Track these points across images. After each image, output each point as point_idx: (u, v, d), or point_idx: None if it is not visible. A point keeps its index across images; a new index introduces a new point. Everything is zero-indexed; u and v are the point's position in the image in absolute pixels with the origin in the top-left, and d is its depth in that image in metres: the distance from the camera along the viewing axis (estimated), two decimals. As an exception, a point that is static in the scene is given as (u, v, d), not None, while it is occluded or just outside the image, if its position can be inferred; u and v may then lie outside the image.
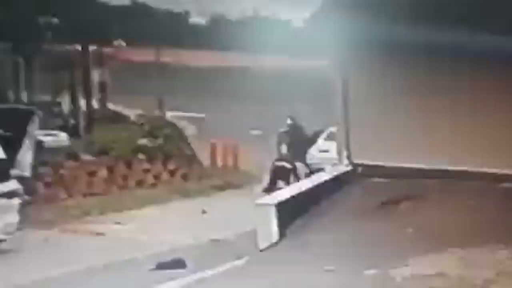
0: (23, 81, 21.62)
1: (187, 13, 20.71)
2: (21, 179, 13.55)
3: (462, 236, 9.63)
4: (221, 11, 20.79)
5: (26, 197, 13.67)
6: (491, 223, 10.11)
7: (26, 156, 14.49)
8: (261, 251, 10.61)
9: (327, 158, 17.97)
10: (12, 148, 13.80)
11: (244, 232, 12.12)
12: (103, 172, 18.44)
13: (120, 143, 19.23)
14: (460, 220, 10.30)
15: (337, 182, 12.60)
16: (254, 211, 11.22)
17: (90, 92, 22.29)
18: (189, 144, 21.15)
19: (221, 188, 19.68)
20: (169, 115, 22.60)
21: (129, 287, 10.12)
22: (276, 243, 10.70)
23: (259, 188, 18.80)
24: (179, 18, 20.57)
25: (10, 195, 12.73)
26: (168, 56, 23.19)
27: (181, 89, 23.63)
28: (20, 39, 20.35)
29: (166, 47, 22.66)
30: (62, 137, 17.90)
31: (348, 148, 13.15)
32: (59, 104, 22.35)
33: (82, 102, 22.05)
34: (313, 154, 20.66)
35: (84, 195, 17.68)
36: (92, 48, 22.25)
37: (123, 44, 22.86)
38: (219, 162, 22.05)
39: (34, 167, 14.95)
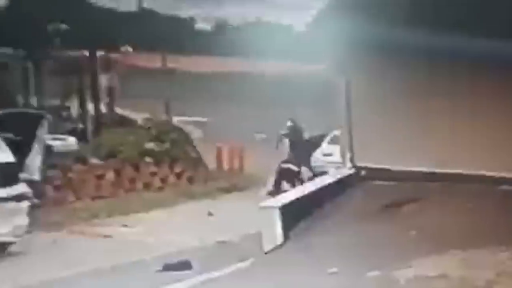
0: (32, 86, 21.64)
1: (192, 19, 20.72)
2: (30, 182, 13.53)
3: (463, 238, 9.60)
4: (224, 17, 20.80)
5: (35, 200, 13.65)
6: (491, 225, 10.08)
7: (35, 159, 14.49)
8: (265, 253, 10.59)
9: (331, 161, 17.96)
10: (22, 152, 13.79)
11: (249, 234, 12.10)
12: (110, 175, 18.44)
13: (128, 146, 19.22)
14: (460, 222, 10.27)
15: (340, 185, 12.58)
16: (259, 214, 11.20)
17: (98, 97, 22.30)
18: (195, 147, 21.15)
19: (227, 190, 19.66)
20: (175, 119, 22.61)
21: (136, 288, 10.13)
22: (281, 245, 10.67)
23: (264, 190, 18.78)
24: (185, 24, 20.59)
25: (19, 198, 12.71)
26: (174, 61, 23.20)
27: (187, 94, 23.64)
28: (29, 45, 20.38)
29: (172, 53, 22.67)
30: (71, 141, 17.90)
31: (351, 151, 13.12)
32: (68, 108, 22.37)
33: (90, 107, 22.06)
34: (317, 157, 20.64)
35: (92, 198, 17.67)
36: (99, 53, 22.26)
37: (130, 49, 22.87)
38: (225, 165, 22.04)
39: (43, 171, 14.94)
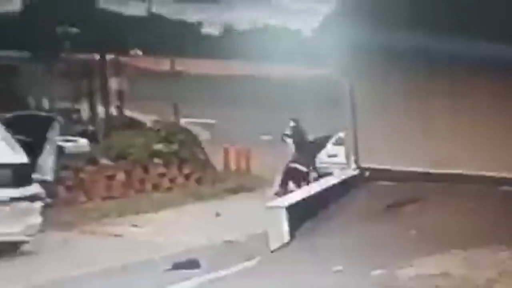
0: (44, 88, 21.74)
1: (199, 24, 20.76)
2: (43, 183, 13.61)
3: (464, 237, 9.64)
4: (231, 22, 20.84)
5: (48, 200, 13.73)
6: (491, 224, 10.11)
7: (47, 161, 14.57)
8: (272, 252, 10.64)
9: (335, 162, 17.99)
10: (34, 153, 13.87)
11: (256, 233, 12.14)
12: (121, 176, 18.50)
13: (137, 148, 19.28)
14: (462, 222, 10.30)
15: (345, 186, 12.62)
16: (266, 214, 11.25)
17: (108, 99, 22.39)
18: (203, 149, 21.18)
19: (234, 191, 19.68)
20: (183, 121, 22.65)
21: (145, 286, 10.18)
22: (287, 243, 10.73)
23: (270, 191, 18.81)
24: (192, 29, 20.63)
25: (32, 198, 12.77)
26: (182, 65, 23.27)
27: (195, 96, 23.68)
28: (41, 49, 20.47)
29: (180, 56, 22.73)
30: (82, 143, 17.98)
31: (356, 152, 13.17)
32: (79, 111, 22.47)
33: (101, 109, 22.15)
34: (322, 158, 20.67)
35: (103, 198, 17.73)
36: (109, 57, 22.33)
37: (139, 53, 22.94)
38: (232, 166, 22.07)
39: (56, 172, 15.02)
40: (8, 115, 15.48)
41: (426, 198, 11.47)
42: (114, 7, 20.33)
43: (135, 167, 18.87)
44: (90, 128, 21.31)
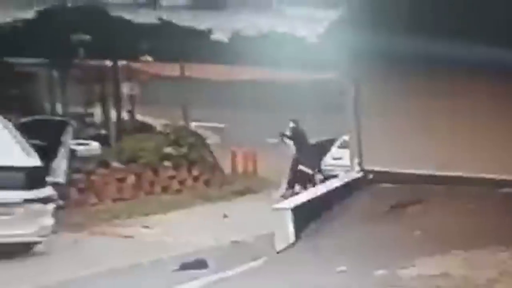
0: (58, 94, 21.76)
1: (209, 31, 20.72)
2: (55, 185, 13.61)
3: (465, 238, 9.60)
4: (240, 29, 20.78)
5: (60, 202, 13.72)
6: (492, 226, 10.06)
7: (61, 164, 14.58)
8: (278, 252, 10.62)
9: (340, 165, 17.92)
10: (48, 156, 13.88)
11: (262, 234, 12.11)
12: (131, 179, 18.48)
13: (148, 151, 19.26)
14: (462, 223, 10.26)
15: (348, 188, 12.59)
16: (272, 215, 11.23)
17: (120, 104, 22.39)
18: (211, 152, 21.15)
19: (241, 193, 19.64)
20: (193, 125, 22.63)
21: (155, 286, 10.15)
22: (293, 244, 10.70)
23: (276, 193, 18.77)
24: (202, 35, 20.60)
25: (46, 200, 12.78)
26: (192, 70, 23.26)
27: (204, 101, 23.66)
28: (55, 56, 20.49)
29: (190, 62, 22.73)
30: (94, 146, 17.96)
31: (359, 155, 13.13)
32: (91, 115, 22.47)
33: (113, 113, 22.14)
34: (327, 161, 20.62)
35: (114, 200, 17.71)
36: (121, 63, 22.34)
37: (150, 59, 22.95)
38: (240, 169, 22.03)
39: (68, 174, 15.01)
40: (24, 119, 15.52)
41: (428, 200, 11.43)
42: (125, 15, 20.33)
43: (145, 170, 18.86)
44: (103, 132, 21.30)
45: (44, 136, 14.12)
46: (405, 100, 12.27)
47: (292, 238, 10.80)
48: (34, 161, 12.87)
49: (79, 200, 16.80)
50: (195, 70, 23.27)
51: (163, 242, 13.53)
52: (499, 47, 10.57)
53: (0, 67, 20.15)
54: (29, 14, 19.91)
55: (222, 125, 24.65)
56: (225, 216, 16.31)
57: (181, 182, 19.68)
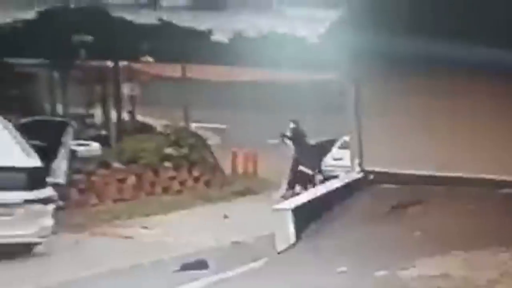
0: (58, 94, 21.76)
1: (209, 31, 20.70)
2: (56, 185, 13.60)
3: (465, 239, 9.58)
4: (240, 29, 20.76)
5: (60, 203, 13.70)
6: (492, 226, 10.05)
7: (61, 164, 14.57)
8: (278, 253, 10.60)
9: (341, 165, 17.90)
10: (48, 157, 13.86)
11: (263, 235, 12.10)
12: (132, 179, 18.47)
13: (148, 152, 19.25)
14: (462, 224, 10.25)
15: (349, 189, 12.57)
16: (272, 216, 11.22)
17: (120, 105, 22.38)
18: (212, 153, 21.14)
19: (242, 194, 19.64)
20: (193, 126, 22.62)
21: (155, 287, 10.13)
22: (293, 245, 10.69)
23: (277, 194, 18.76)
24: (202, 36, 20.57)
25: (46, 201, 12.76)
26: (192, 71, 23.24)
27: (204, 102, 23.65)
28: (56, 56, 20.48)
29: (190, 62, 22.71)
30: (95, 147, 17.95)
31: (360, 155, 13.11)
32: (92, 116, 22.46)
33: (113, 114, 22.13)
34: (328, 161, 20.60)
35: (114, 201, 17.70)
36: (122, 64, 22.33)
37: (151, 60, 22.94)
38: (240, 170, 22.02)
39: (69, 175, 15.00)
40: (24, 120, 15.51)
41: (428, 201, 11.41)
42: (126, 16, 20.32)
43: (146, 171, 18.85)
44: (103, 132, 21.29)
45: (44, 137, 14.11)
46: (405, 100, 12.26)
47: (292, 239, 10.78)
48: (34, 161, 12.86)
49: (80, 200, 16.78)
50: (195, 71, 23.26)
51: (164, 243, 13.52)
52: (499, 47, 10.56)
53: (0, 68, 20.15)
54: (30, 15, 19.91)
55: (222, 126, 24.64)
56: (225, 216, 16.30)
57: (182, 183, 19.67)
